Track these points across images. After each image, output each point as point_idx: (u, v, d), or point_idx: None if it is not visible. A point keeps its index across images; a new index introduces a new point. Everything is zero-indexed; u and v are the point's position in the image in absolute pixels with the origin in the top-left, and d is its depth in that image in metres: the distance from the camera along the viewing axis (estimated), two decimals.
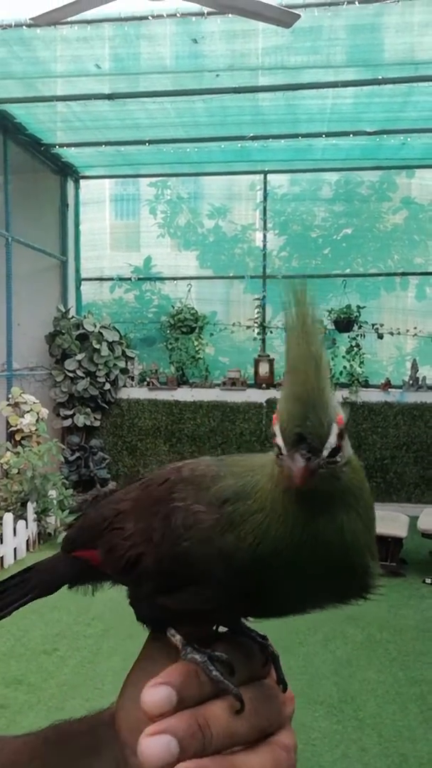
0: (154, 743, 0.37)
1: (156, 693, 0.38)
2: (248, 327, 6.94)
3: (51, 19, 3.49)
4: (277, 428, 0.38)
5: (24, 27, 4.13)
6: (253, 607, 0.44)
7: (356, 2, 3.94)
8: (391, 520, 4.66)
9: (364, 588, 0.41)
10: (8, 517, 4.59)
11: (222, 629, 0.47)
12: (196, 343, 6.85)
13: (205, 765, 0.37)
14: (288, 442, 0.37)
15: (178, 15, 4.10)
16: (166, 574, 0.44)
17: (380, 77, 4.83)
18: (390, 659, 3.24)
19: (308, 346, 0.39)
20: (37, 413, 5.48)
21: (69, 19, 3.75)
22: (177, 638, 0.43)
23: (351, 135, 5.84)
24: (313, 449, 0.37)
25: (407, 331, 6.66)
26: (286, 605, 0.43)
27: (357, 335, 6.56)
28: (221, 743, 0.38)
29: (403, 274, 6.87)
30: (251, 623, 0.47)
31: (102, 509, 0.52)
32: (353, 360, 6.50)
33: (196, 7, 3.83)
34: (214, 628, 0.47)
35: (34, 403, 5.54)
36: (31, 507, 4.92)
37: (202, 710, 0.38)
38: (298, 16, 3.34)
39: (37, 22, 3.69)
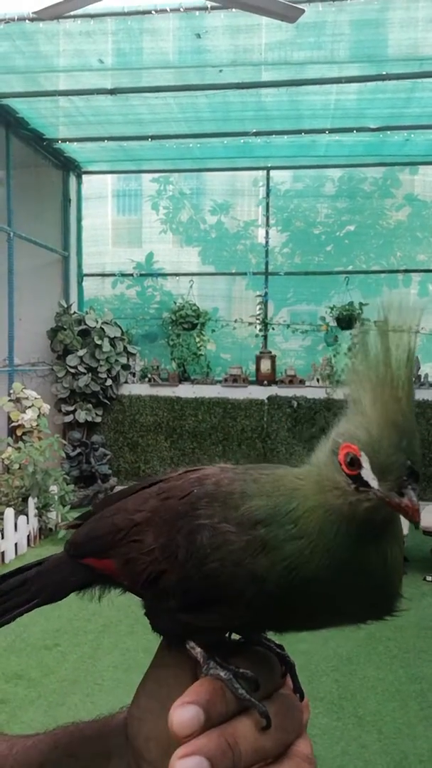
0: (186, 765, 0.37)
1: (184, 713, 0.38)
2: (250, 324, 6.93)
3: (54, 13, 3.47)
4: (365, 458, 0.37)
5: (27, 21, 4.11)
6: (276, 624, 0.44)
7: None
8: None
9: (389, 612, 0.42)
10: (9, 513, 4.59)
11: (235, 636, 0.47)
12: (197, 339, 6.84)
13: None
14: (396, 474, 0.36)
15: (181, 9, 4.08)
16: (191, 593, 0.43)
17: (384, 73, 4.80)
18: (390, 656, 3.24)
19: (407, 368, 0.38)
20: (39, 409, 5.48)
21: (72, 13, 3.74)
22: (197, 651, 0.43)
23: (354, 131, 5.82)
24: (417, 480, 0.37)
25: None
26: (310, 623, 0.43)
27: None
28: (250, 760, 0.38)
29: (406, 271, 6.86)
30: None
31: (115, 518, 0.50)
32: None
33: (199, 2, 3.82)
34: (228, 635, 0.47)
35: (36, 398, 5.54)
36: (32, 502, 4.93)
37: (230, 729, 0.39)
38: (302, 11, 3.32)
39: (40, 16, 3.67)
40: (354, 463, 0.38)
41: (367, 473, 0.37)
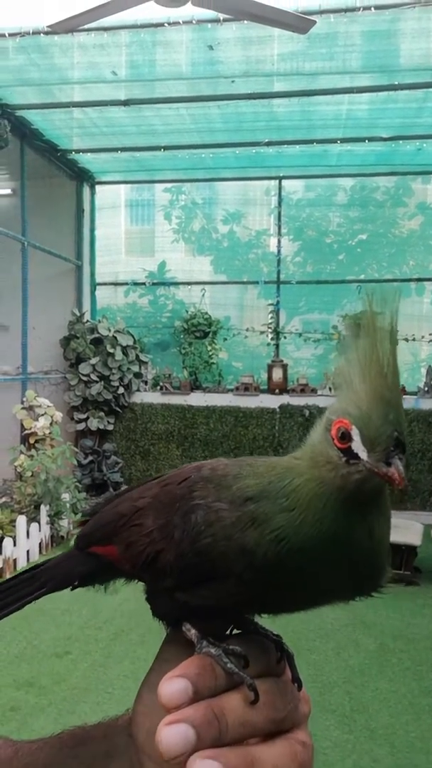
0: (172, 731, 0.38)
1: (173, 685, 0.39)
2: (262, 332, 6.94)
3: (68, 27, 3.53)
4: (356, 431, 0.39)
5: (42, 34, 4.17)
6: (268, 603, 0.45)
7: (372, 8, 3.94)
8: (405, 528, 4.61)
9: (376, 587, 0.43)
10: (21, 520, 4.61)
11: (236, 631, 0.48)
12: (209, 348, 6.86)
13: (223, 754, 0.38)
14: (384, 445, 0.38)
15: (194, 22, 4.12)
16: (186, 570, 0.45)
17: (396, 83, 4.82)
18: (403, 669, 3.20)
19: (391, 347, 0.40)
20: (51, 417, 5.52)
21: (86, 27, 3.79)
22: (192, 632, 0.44)
23: (366, 141, 5.83)
24: (404, 451, 0.39)
25: (422, 337, 6.61)
26: (301, 601, 0.44)
27: None
28: (237, 733, 0.39)
29: (419, 279, 6.83)
30: (264, 621, 0.48)
31: (119, 506, 0.52)
32: None
33: (211, 14, 3.85)
34: (229, 631, 0.48)
35: (48, 406, 5.57)
36: (44, 510, 4.95)
37: (217, 701, 0.40)
38: (314, 22, 3.34)
39: (54, 30, 3.73)
40: (345, 436, 0.40)
41: (357, 445, 0.39)
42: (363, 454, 0.39)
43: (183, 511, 0.45)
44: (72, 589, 0.56)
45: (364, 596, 0.43)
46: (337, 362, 0.44)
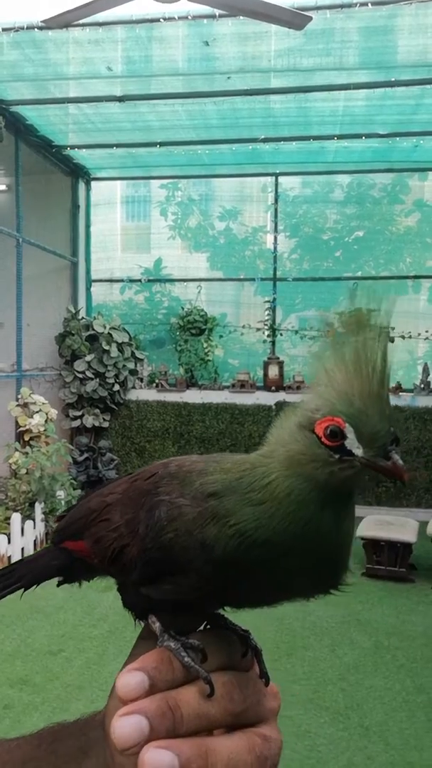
0: (125, 722, 0.38)
1: (129, 678, 0.40)
2: (258, 329, 6.93)
3: (63, 22, 3.50)
4: (350, 429, 0.40)
5: (36, 29, 4.15)
6: (230, 597, 0.45)
7: (369, 4, 3.92)
8: (400, 525, 4.62)
9: (337, 584, 0.43)
10: (16, 517, 4.60)
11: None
12: (205, 345, 6.84)
13: (176, 744, 0.38)
14: (382, 441, 0.40)
15: (189, 17, 4.10)
16: (149, 564, 0.45)
17: (393, 79, 4.80)
18: (398, 666, 3.21)
19: (383, 344, 0.41)
20: (46, 414, 5.50)
21: (81, 22, 3.77)
22: (156, 626, 0.45)
23: (363, 137, 5.82)
24: (398, 445, 0.40)
25: (419, 334, 6.61)
26: (262, 596, 0.44)
27: None
28: (193, 724, 0.39)
29: (416, 277, 6.83)
30: (230, 614, 0.49)
31: (90, 502, 0.53)
32: None
33: (207, 10, 3.83)
34: (203, 627, 0.48)
35: (43, 403, 5.56)
36: (39, 507, 4.94)
37: (173, 693, 0.40)
38: (310, 18, 3.32)
39: (48, 25, 3.70)
40: (336, 434, 0.40)
41: (352, 443, 0.40)
42: (358, 451, 0.40)
43: (148, 506, 0.46)
44: (58, 585, 0.57)
45: (324, 593, 0.44)
46: (315, 360, 0.44)
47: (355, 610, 3.90)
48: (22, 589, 0.56)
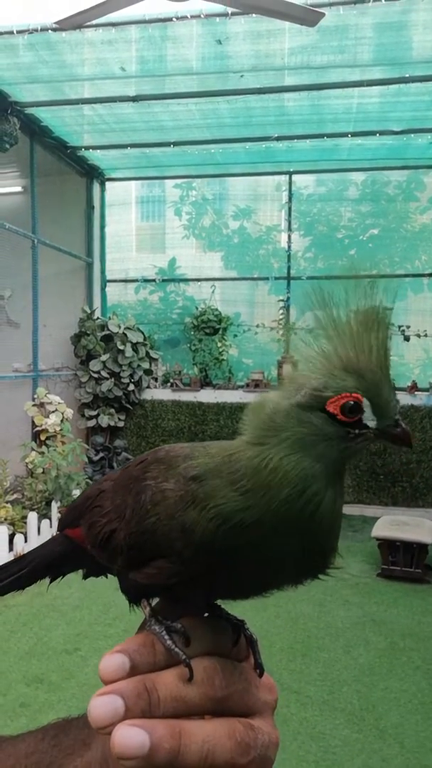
0: (100, 702, 0.38)
1: (111, 660, 0.41)
2: (272, 328, 6.91)
3: (76, 23, 3.52)
4: (367, 403, 0.41)
5: (50, 31, 4.16)
6: (216, 585, 0.44)
7: (383, 0, 3.88)
8: (415, 525, 4.58)
9: (325, 567, 0.43)
10: (32, 516, 4.64)
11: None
12: (219, 344, 6.84)
13: (149, 723, 0.38)
14: (394, 411, 0.41)
15: (202, 16, 4.09)
16: (134, 549, 0.46)
17: (407, 75, 4.75)
18: (413, 668, 3.18)
19: (384, 319, 0.42)
20: (62, 413, 5.54)
21: (94, 22, 3.78)
22: (147, 610, 0.46)
23: (377, 134, 5.77)
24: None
25: None
26: (249, 582, 0.44)
27: None
28: (170, 707, 0.39)
29: (431, 275, 6.76)
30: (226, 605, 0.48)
31: (89, 490, 0.55)
32: None
33: (220, 8, 3.82)
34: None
35: (59, 403, 5.59)
36: (55, 506, 4.97)
37: (152, 675, 0.40)
38: (323, 14, 3.30)
39: (62, 26, 3.72)
40: (355, 409, 0.41)
41: (368, 416, 0.41)
42: (372, 423, 0.41)
43: (135, 491, 0.47)
44: (62, 577, 0.59)
45: (313, 577, 0.43)
46: (307, 340, 0.44)
47: (371, 611, 3.87)
48: (47, 580, 0.58)
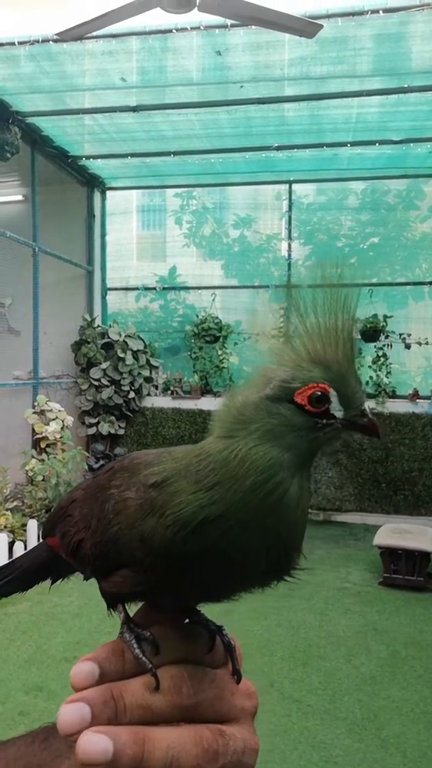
0: (68, 709, 0.39)
1: (80, 667, 0.42)
2: (273, 337, 6.90)
3: (77, 34, 3.55)
4: (333, 393, 0.42)
5: (51, 42, 4.20)
6: (183, 590, 0.44)
7: (380, 11, 3.92)
8: (418, 533, 4.56)
9: (289, 567, 0.42)
10: (32, 524, 4.63)
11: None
12: (220, 352, 6.85)
13: (114, 730, 0.38)
14: (361, 401, 0.42)
15: (201, 28, 4.13)
16: (100, 558, 0.46)
17: (406, 86, 4.79)
18: (415, 676, 3.16)
19: (350, 312, 0.43)
20: (62, 421, 5.54)
21: (95, 34, 3.82)
22: (121, 616, 0.46)
23: (377, 144, 5.80)
24: None
25: None
26: (214, 586, 0.44)
27: (384, 345, 6.48)
28: (137, 715, 0.40)
29: None
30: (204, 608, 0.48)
31: (64, 499, 0.56)
32: (380, 370, 6.42)
33: (219, 20, 3.86)
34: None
35: (60, 411, 5.60)
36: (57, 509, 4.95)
37: (119, 684, 0.41)
38: (321, 26, 3.33)
39: (63, 37, 3.76)
40: (322, 400, 0.41)
41: (335, 406, 0.42)
42: (339, 413, 0.42)
43: (101, 500, 0.47)
44: (62, 579, 0.60)
45: (278, 578, 0.43)
46: (274, 335, 0.46)
47: (372, 620, 3.85)
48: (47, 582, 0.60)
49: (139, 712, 0.40)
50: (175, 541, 0.40)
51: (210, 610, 0.48)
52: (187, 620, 0.48)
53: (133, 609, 0.50)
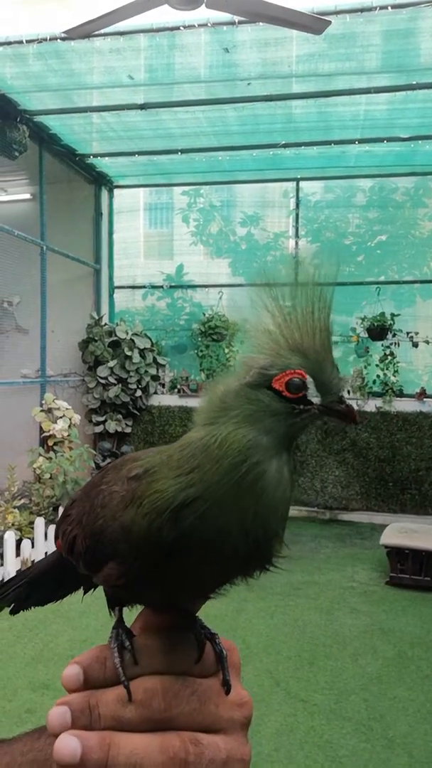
0: (55, 712, 0.42)
1: (69, 670, 0.44)
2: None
3: (84, 32, 3.55)
4: (310, 380, 0.43)
5: (59, 40, 4.20)
6: (169, 584, 0.44)
7: (389, 7, 3.89)
8: (424, 533, 4.55)
9: (270, 555, 0.43)
10: (40, 522, 4.65)
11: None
12: (227, 350, 6.84)
13: (84, 735, 0.41)
14: (338, 388, 0.44)
15: (209, 25, 4.11)
16: (89, 552, 0.47)
17: (414, 82, 4.76)
18: (422, 677, 3.15)
19: (325, 300, 0.44)
20: (70, 419, 5.55)
21: (102, 31, 3.81)
22: (114, 620, 0.47)
23: (385, 141, 5.77)
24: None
25: None
26: (197, 578, 0.44)
27: (391, 343, 6.44)
28: (108, 725, 0.42)
29: None
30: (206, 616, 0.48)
31: (69, 501, 0.57)
32: (387, 369, 6.39)
33: (227, 17, 3.85)
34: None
35: (67, 409, 5.61)
36: (62, 512, 4.97)
37: (97, 693, 0.43)
38: (329, 22, 3.31)
39: (70, 35, 3.76)
40: (299, 386, 0.43)
41: (312, 392, 0.43)
42: (316, 400, 0.43)
43: (92, 497, 0.48)
44: (94, 589, 0.61)
45: (261, 568, 0.43)
46: (253, 319, 0.46)
47: (379, 619, 3.84)
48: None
49: (111, 722, 0.42)
50: (151, 530, 0.41)
51: (219, 608, 0.48)
52: (183, 625, 0.47)
53: (134, 613, 0.50)
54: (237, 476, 0.40)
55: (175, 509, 0.40)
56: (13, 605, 0.62)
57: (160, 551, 0.41)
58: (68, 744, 0.40)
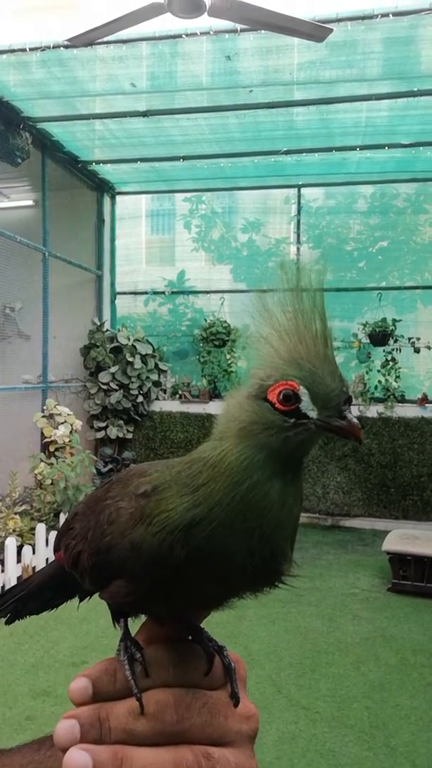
0: (63, 725, 0.41)
1: (76, 683, 0.43)
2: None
3: (87, 40, 3.57)
4: (304, 391, 0.40)
5: (62, 48, 4.23)
6: (176, 598, 0.44)
7: (390, 15, 3.91)
8: (426, 539, 4.53)
9: (278, 573, 0.42)
10: (41, 528, 4.64)
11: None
12: (228, 356, 6.84)
13: (95, 749, 0.40)
14: (337, 401, 0.40)
15: (211, 32, 4.14)
16: (96, 569, 0.47)
17: (416, 89, 4.78)
18: (425, 684, 3.13)
19: (320, 308, 0.42)
20: (71, 425, 5.55)
21: (105, 39, 3.83)
22: (121, 633, 0.47)
23: (386, 148, 5.79)
24: (350, 404, 0.41)
25: None
26: (204, 593, 0.43)
27: (393, 349, 6.45)
28: (119, 738, 0.41)
29: None
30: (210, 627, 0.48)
31: (69, 513, 0.58)
32: (389, 374, 6.39)
33: (229, 25, 3.87)
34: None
35: (68, 414, 5.61)
36: (63, 517, 4.96)
37: (108, 706, 0.42)
38: (331, 30, 3.33)
39: (73, 43, 3.78)
40: (291, 398, 0.40)
41: (306, 405, 0.40)
42: (312, 413, 0.40)
43: (97, 512, 0.48)
44: (80, 601, 0.61)
45: (269, 585, 0.42)
46: (254, 330, 0.45)
47: (381, 626, 3.82)
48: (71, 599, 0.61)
49: (122, 735, 0.41)
50: (162, 548, 0.40)
51: (220, 615, 0.47)
52: (190, 638, 0.47)
53: (138, 624, 0.49)
54: (239, 496, 0.39)
55: (183, 528, 0.40)
56: (9, 615, 0.62)
57: (170, 569, 0.41)
58: (79, 758, 0.39)
